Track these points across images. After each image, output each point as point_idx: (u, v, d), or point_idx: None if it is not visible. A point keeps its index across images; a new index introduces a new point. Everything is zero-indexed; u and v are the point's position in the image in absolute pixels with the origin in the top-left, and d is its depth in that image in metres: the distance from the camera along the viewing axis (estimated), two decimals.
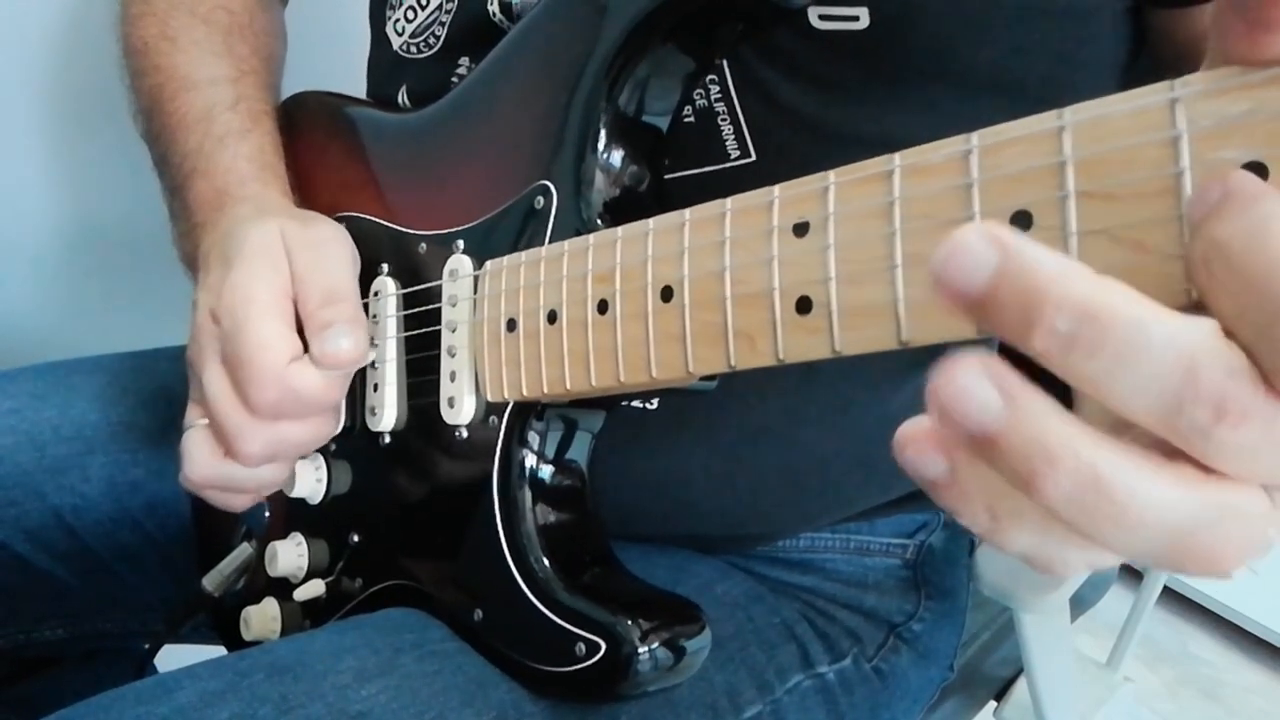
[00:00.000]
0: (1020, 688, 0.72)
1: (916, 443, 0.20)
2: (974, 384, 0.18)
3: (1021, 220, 0.23)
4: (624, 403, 0.47)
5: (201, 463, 0.45)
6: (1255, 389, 0.17)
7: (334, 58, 0.64)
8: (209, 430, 0.45)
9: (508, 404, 0.41)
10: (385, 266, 0.48)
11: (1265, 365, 0.17)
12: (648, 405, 0.48)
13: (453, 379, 0.43)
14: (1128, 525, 0.18)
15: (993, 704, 0.74)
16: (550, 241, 0.39)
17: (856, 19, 0.40)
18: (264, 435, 0.43)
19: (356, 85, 0.58)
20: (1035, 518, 0.20)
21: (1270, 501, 0.19)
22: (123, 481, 0.60)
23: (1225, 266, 0.17)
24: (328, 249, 0.45)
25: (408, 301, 0.47)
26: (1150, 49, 0.45)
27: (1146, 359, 0.17)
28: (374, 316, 0.48)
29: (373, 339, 0.47)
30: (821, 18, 0.41)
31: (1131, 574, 0.88)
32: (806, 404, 0.49)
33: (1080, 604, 0.77)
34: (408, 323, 0.47)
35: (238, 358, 0.42)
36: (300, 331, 0.43)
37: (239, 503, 0.48)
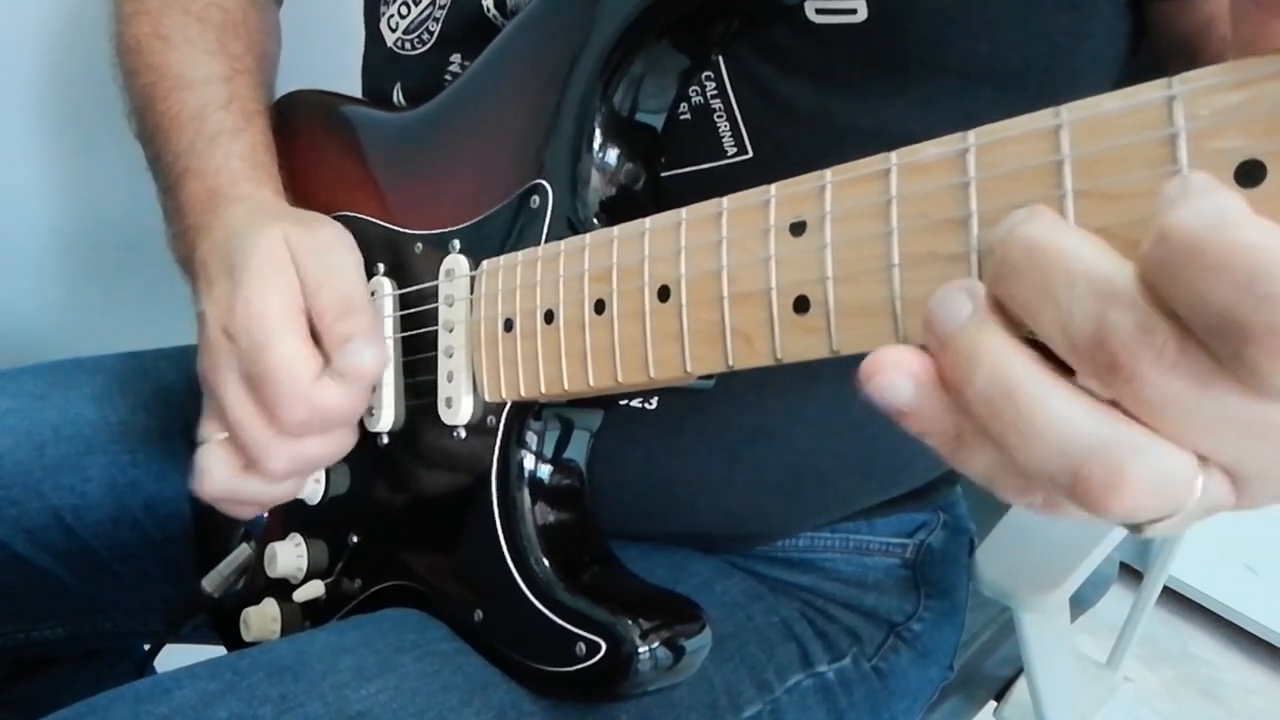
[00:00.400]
0: (1020, 688, 0.72)
1: (884, 371, 0.22)
2: (953, 292, 0.22)
3: None
4: (622, 402, 0.47)
5: (219, 477, 0.45)
6: (1169, 353, 0.18)
7: (328, 56, 0.64)
8: (227, 445, 0.45)
9: (505, 404, 0.41)
10: (381, 266, 0.48)
11: (1211, 343, 0.18)
12: (646, 405, 0.48)
13: (450, 379, 0.43)
14: (1029, 433, 0.20)
15: (993, 704, 0.74)
16: (546, 241, 0.39)
17: (854, 12, 0.40)
18: (290, 452, 0.43)
19: (351, 84, 0.58)
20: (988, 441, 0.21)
21: (1198, 467, 0.20)
22: (122, 481, 0.60)
23: (1182, 254, 0.18)
24: (334, 254, 0.45)
25: (404, 301, 0.47)
26: (1150, 41, 0.45)
27: (1068, 297, 0.19)
28: None
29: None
30: (819, 11, 0.41)
31: (1131, 574, 0.88)
32: (805, 403, 0.49)
33: (1080, 604, 0.76)
34: (405, 323, 0.47)
35: (261, 378, 0.42)
36: (316, 341, 0.43)
37: (249, 512, 0.49)
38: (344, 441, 0.46)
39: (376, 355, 0.42)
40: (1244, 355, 0.17)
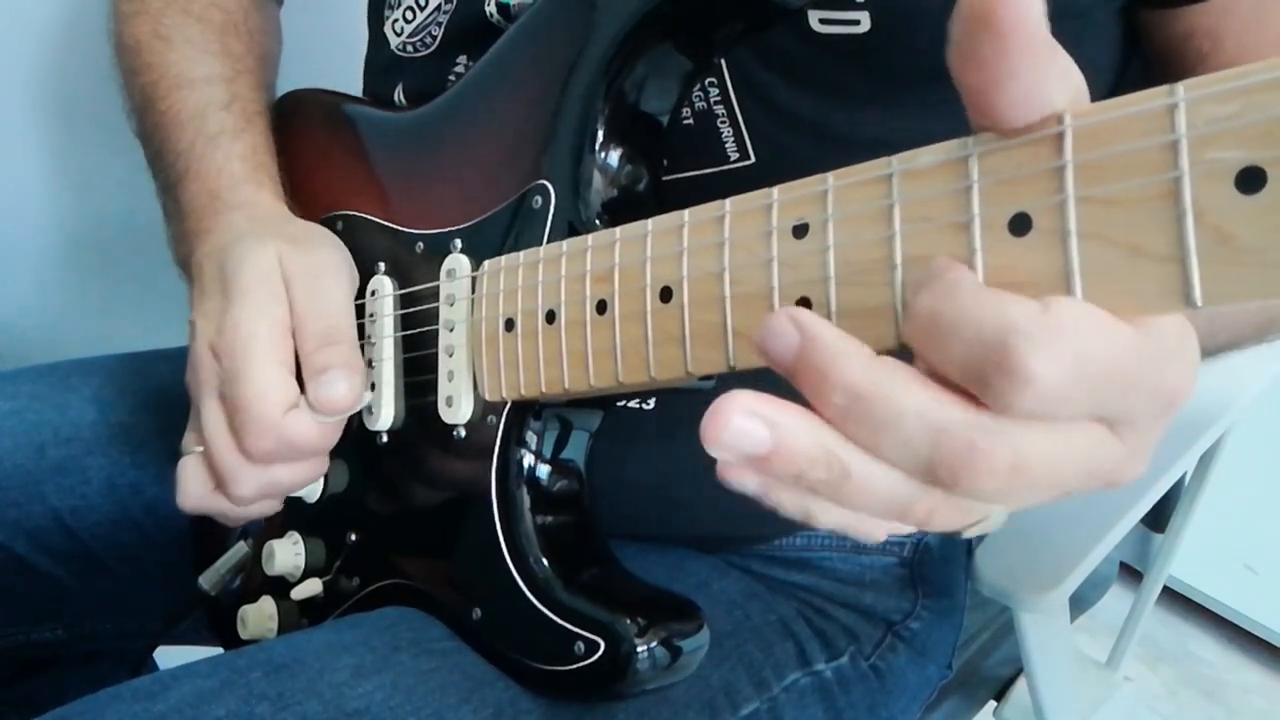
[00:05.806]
0: (1020, 688, 0.72)
1: (731, 469, 0.25)
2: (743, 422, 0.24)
3: (1020, 223, 0.23)
4: (620, 403, 0.47)
5: (194, 493, 0.45)
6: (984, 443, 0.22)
7: (329, 57, 0.64)
8: (204, 460, 0.45)
9: (506, 404, 0.41)
10: (382, 265, 0.48)
11: (986, 398, 0.22)
12: (644, 405, 0.48)
13: (450, 378, 0.43)
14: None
15: (993, 704, 0.74)
16: (548, 241, 0.39)
17: (857, 22, 0.40)
18: (256, 479, 0.43)
19: (352, 84, 0.58)
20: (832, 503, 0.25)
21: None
22: (122, 483, 0.60)
23: (932, 324, 0.22)
24: (326, 279, 0.45)
25: (405, 301, 0.47)
26: (1142, 49, 0.45)
27: (900, 429, 0.22)
28: (371, 316, 0.48)
29: (371, 382, 0.47)
30: (822, 21, 0.41)
31: (1131, 574, 0.88)
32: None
33: (1080, 604, 0.76)
34: (405, 322, 0.47)
35: (235, 402, 0.42)
36: (298, 367, 0.43)
37: (234, 524, 0.49)
38: (314, 470, 0.46)
39: (351, 388, 0.43)
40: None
